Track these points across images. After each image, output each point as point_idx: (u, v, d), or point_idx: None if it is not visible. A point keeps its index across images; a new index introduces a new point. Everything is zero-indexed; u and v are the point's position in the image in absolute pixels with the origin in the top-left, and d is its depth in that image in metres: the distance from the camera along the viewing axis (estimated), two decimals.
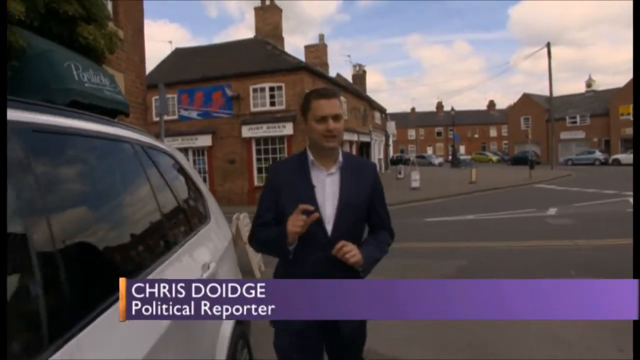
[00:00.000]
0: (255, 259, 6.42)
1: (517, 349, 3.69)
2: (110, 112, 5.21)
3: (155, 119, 16.13)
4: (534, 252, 7.45)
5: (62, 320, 1.05)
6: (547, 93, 35.09)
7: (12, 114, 1.18)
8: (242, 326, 2.50)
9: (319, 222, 1.79)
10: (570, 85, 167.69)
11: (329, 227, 1.82)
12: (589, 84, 48.58)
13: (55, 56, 4.23)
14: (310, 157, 1.88)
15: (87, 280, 1.25)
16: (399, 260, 6.95)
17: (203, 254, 2.20)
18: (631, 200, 11.60)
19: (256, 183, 18.96)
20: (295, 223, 1.71)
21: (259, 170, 19.14)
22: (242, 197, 18.30)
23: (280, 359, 1.95)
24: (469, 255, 7.33)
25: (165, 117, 10.51)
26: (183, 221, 2.18)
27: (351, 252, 1.73)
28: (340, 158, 1.89)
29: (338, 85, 25.52)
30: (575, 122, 45.36)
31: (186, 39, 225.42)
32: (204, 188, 2.78)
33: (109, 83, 5.18)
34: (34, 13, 4.28)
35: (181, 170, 2.51)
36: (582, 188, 17.94)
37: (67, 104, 4.11)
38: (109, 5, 7.05)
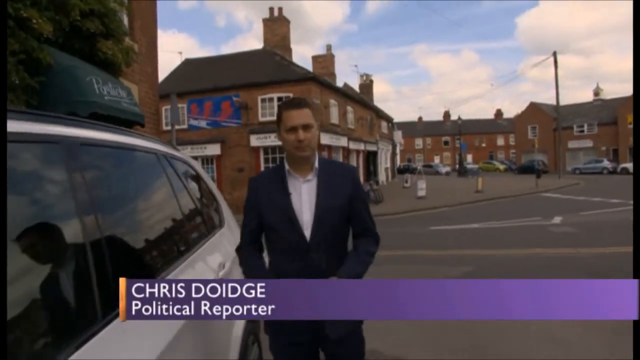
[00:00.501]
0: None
1: (517, 349, 3.84)
2: (127, 122, 5.48)
3: (166, 127, 16.49)
4: (535, 259, 7.57)
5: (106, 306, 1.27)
6: (554, 101, 35.12)
7: (66, 130, 1.42)
8: (252, 323, 2.70)
9: (297, 229, 1.82)
10: (578, 94, 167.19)
11: (307, 233, 1.83)
12: (596, 93, 48.57)
13: (78, 71, 4.53)
14: (287, 166, 1.91)
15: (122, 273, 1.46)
16: (402, 267, 7.12)
17: (219, 255, 2.42)
18: None
19: None
20: None
21: None
22: None
23: None
24: (471, 263, 7.46)
25: (176, 127, 10.83)
26: (201, 225, 2.41)
27: None
28: (316, 165, 1.91)
29: (345, 95, 25.81)
30: (582, 131, 45.29)
31: (195, 49, 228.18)
32: (218, 195, 3.01)
33: (126, 95, 5.47)
34: (59, 31, 4.59)
35: (198, 178, 2.75)
36: (589, 197, 17.97)
37: (88, 116, 4.39)
38: (125, 20, 7.37)
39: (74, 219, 1.25)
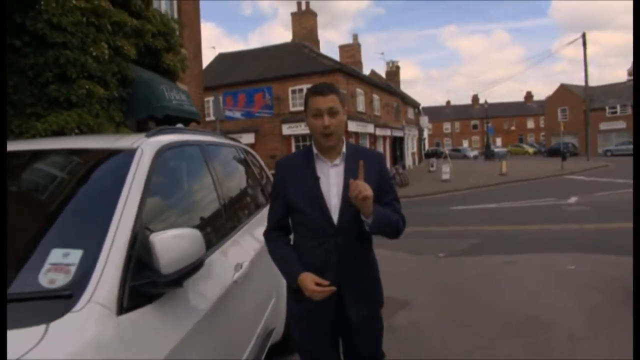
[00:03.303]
0: None
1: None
2: (187, 121, 6.74)
3: (206, 119, 17.98)
4: (541, 233, 8.32)
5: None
6: (591, 81, 34.72)
7: (199, 137, 2.59)
8: None
9: (325, 212, 1.83)
10: (619, 72, 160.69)
11: (335, 217, 1.84)
12: (630, 72, 47.30)
13: (154, 83, 5.79)
14: (315, 150, 1.92)
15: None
16: (420, 240, 8.07)
17: None
18: None
19: None
20: (313, 295, 1.75)
21: None
22: None
23: (298, 348, 2.05)
24: (482, 236, 8.32)
25: (213, 118, 12.13)
26: (262, 196, 3.59)
27: (364, 184, 1.71)
28: (344, 150, 1.91)
29: (371, 84, 26.65)
30: (615, 112, 44.33)
31: (221, 37, 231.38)
32: (270, 174, 4.18)
33: (186, 98, 6.71)
34: (136, 51, 5.84)
35: (258, 162, 3.92)
36: (613, 179, 18.05)
37: (162, 117, 5.65)
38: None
39: (213, 182, 2.43)
